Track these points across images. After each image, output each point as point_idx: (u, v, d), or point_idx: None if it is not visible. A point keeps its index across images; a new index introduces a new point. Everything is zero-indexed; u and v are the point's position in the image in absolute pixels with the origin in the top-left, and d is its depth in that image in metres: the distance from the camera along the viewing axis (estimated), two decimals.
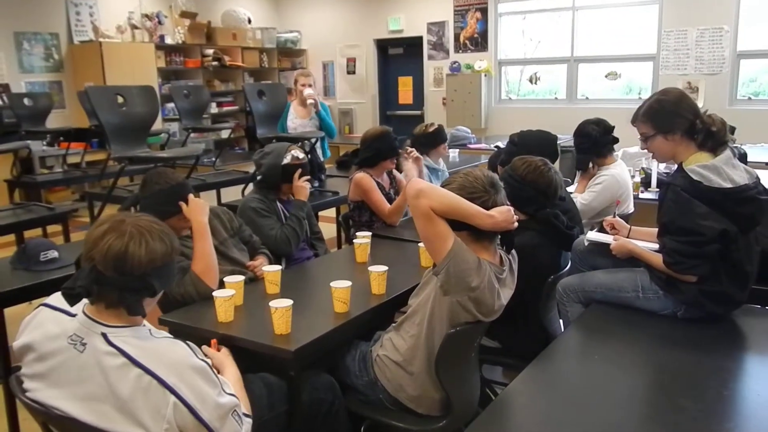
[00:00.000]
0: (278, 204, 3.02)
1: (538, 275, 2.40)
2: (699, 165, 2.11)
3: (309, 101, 4.71)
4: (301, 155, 3.02)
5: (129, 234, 1.45)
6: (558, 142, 3.40)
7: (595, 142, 3.49)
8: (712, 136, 2.13)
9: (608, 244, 2.45)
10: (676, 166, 2.24)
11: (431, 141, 3.86)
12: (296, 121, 4.83)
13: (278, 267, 2.40)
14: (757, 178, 2.17)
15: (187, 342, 1.54)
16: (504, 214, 1.91)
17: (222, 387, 1.52)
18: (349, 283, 2.12)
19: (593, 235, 2.62)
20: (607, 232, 2.61)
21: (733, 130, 5.29)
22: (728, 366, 1.93)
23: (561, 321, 2.58)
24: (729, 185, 2.07)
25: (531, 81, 8.64)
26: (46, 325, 1.53)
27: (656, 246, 2.27)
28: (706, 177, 2.08)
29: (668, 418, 1.60)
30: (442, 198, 1.87)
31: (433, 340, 1.95)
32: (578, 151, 3.60)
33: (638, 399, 1.76)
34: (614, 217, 2.65)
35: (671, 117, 2.19)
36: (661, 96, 2.25)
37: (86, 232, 1.51)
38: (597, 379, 1.85)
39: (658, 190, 3.86)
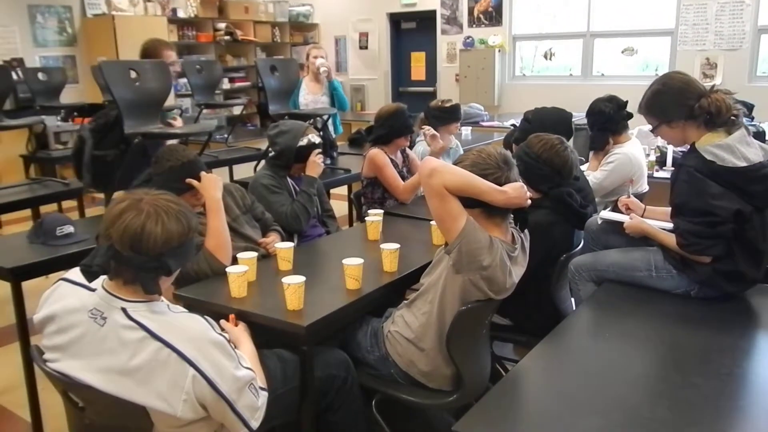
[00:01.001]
0: (289, 180, 3.02)
1: (551, 253, 2.40)
2: (712, 144, 2.08)
3: (322, 69, 4.68)
4: (318, 140, 3.01)
5: (146, 213, 1.46)
6: (573, 120, 3.36)
7: (609, 118, 3.44)
8: (714, 118, 2.10)
9: (622, 223, 2.44)
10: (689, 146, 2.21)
11: (444, 117, 3.81)
12: (308, 97, 4.81)
13: (291, 244, 2.41)
14: None
15: (205, 316, 1.57)
16: (517, 190, 1.91)
17: (239, 360, 1.55)
18: (361, 261, 2.13)
19: (606, 214, 2.60)
20: (621, 212, 2.59)
21: (751, 107, 5.24)
22: (741, 345, 1.93)
23: (573, 299, 2.58)
24: (743, 164, 2.05)
25: (546, 57, 8.52)
26: (66, 298, 1.56)
27: (671, 225, 2.26)
28: (720, 156, 2.05)
29: (680, 395, 1.60)
30: (455, 175, 1.87)
31: (445, 317, 1.96)
32: (593, 130, 3.55)
33: (650, 376, 1.76)
34: (629, 196, 2.63)
35: (670, 107, 2.18)
36: (659, 86, 2.23)
37: (106, 209, 1.52)
38: (608, 357, 1.86)
39: (673, 168, 3.81)
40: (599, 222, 2.60)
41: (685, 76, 2.22)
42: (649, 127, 4.50)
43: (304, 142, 2.94)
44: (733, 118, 2.11)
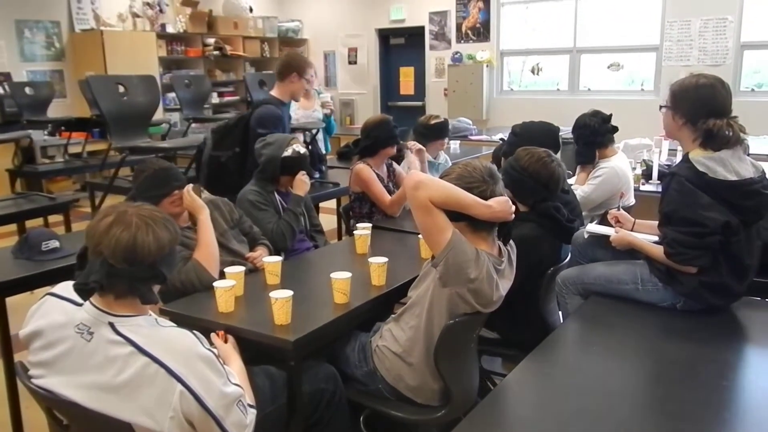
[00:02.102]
0: (276, 196, 3.01)
1: (538, 267, 2.41)
2: (705, 156, 2.10)
3: (325, 111, 4.77)
4: (303, 150, 3.00)
5: (135, 225, 1.47)
6: (560, 134, 3.39)
7: (594, 131, 3.48)
8: (712, 140, 2.11)
9: (608, 237, 2.45)
10: (677, 159, 2.24)
11: (431, 134, 3.83)
12: (299, 112, 4.84)
13: (278, 258, 2.41)
14: (763, 172, 2.16)
15: (194, 331, 1.55)
16: (502, 204, 1.92)
17: (228, 377, 1.54)
18: (349, 275, 2.12)
19: (593, 228, 2.62)
20: (609, 224, 2.61)
21: None
22: (727, 357, 1.94)
23: (560, 313, 2.59)
24: (734, 178, 2.07)
25: (533, 72, 8.61)
26: (52, 313, 1.54)
27: (656, 238, 2.28)
28: (712, 168, 2.07)
29: (667, 408, 1.61)
30: (440, 189, 1.88)
31: (432, 331, 1.96)
32: (579, 144, 3.59)
33: (636, 389, 1.77)
34: (618, 210, 2.64)
35: (684, 101, 2.18)
36: (694, 79, 2.21)
37: (87, 225, 1.51)
38: (595, 370, 1.86)
39: (659, 182, 3.85)
40: (586, 236, 2.62)
41: (720, 90, 2.17)
42: (636, 140, 4.55)
43: (288, 152, 2.93)
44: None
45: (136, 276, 1.47)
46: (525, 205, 2.43)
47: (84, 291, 1.46)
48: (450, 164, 3.99)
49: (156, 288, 1.56)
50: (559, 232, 2.47)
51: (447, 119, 3.99)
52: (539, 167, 2.43)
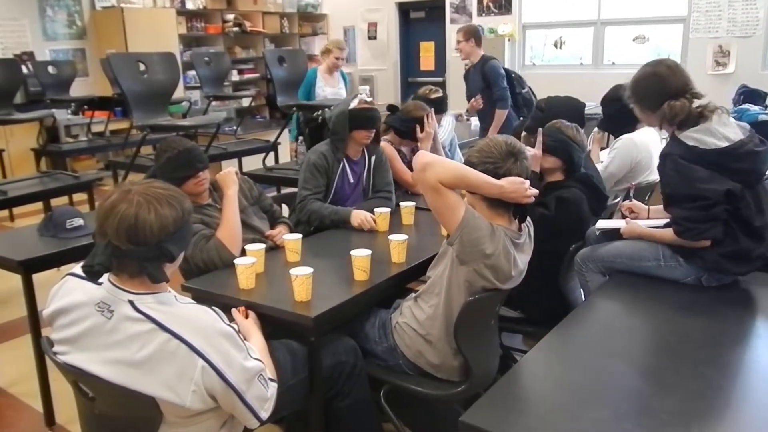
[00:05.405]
0: (345, 162, 2.97)
1: (582, 227, 2.49)
2: (692, 130, 2.11)
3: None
4: (369, 98, 2.99)
5: (137, 203, 1.45)
6: (585, 110, 3.33)
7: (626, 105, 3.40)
8: (674, 119, 2.14)
9: (619, 229, 2.43)
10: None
11: (432, 107, 3.76)
12: (326, 89, 4.84)
13: (299, 235, 2.42)
14: (751, 131, 2.16)
15: (213, 307, 1.57)
16: (514, 184, 1.89)
17: (248, 352, 1.56)
18: (369, 252, 2.13)
19: (603, 223, 2.59)
20: (625, 216, 2.58)
21: (765, 96, 5.10)
22: (752, 335, 1.91)
23: (582, 291, 2.57)
24: (725, 144, 2.07)
25: (556, 46, 8.44)
26: (73, 293, 1.56)
27: (662, 222, 2.28)
28: (701, 140, 2.08)
29: (690, 386, 1.59)
30: (449, 169, 1.87)
31: (452, 308, 1.96)
32: (607, 116, 3.49)
33: (659, 367, 1.75)
34: (630, 200, 2.61)
35: (642, 93, 2.25)
36: (642, 71, 2.28)
37: (96, 205, 1.52)
38: (617, 347, 1.84)
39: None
40: (597, 233, 2.59)
41: (670, 69, 2.21)
42: None
43: (355, 103, 2.92)
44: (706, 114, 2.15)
45: (141, 256, 1.45)
46: (560, 175, 2.52)
47: (91, 273, 1.46)
48: (445, 134, 3.98)
49: (168, 266, 1.53)
50: (597, 197, 2.53)
51: (445, 94, 3.98)
52: (567, 130, 2.54)
